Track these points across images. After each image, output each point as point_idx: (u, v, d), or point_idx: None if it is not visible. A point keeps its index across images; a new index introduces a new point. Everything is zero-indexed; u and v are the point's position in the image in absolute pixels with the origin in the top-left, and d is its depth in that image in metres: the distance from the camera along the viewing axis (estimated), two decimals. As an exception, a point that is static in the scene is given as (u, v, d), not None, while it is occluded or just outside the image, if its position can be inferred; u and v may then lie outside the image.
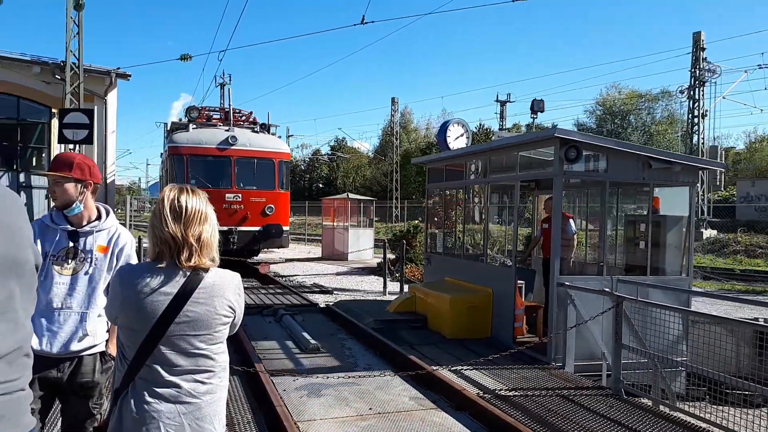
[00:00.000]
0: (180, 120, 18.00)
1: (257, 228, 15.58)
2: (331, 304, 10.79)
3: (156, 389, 1.93)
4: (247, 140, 15.99)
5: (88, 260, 2.86)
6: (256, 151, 16.01)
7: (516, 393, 5.70)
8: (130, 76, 18.10)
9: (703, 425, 5.00)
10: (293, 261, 20.66)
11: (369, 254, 21.38)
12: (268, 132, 17.32)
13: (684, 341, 6.37)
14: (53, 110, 16.59)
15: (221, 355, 2.05)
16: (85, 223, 2.91)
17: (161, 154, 26.45)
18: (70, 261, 2.82)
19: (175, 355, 1.95)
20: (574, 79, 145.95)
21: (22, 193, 16.69)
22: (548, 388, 5.92)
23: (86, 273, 2.84)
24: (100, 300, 2.83)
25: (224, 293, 2.02)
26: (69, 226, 2.88)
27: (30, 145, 16.89)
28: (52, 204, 2.96)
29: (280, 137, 18.04)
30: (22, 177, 17.28)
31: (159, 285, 1.95)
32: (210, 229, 2.04)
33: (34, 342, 2.70)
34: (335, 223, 22.78)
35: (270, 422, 4.85)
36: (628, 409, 5.34)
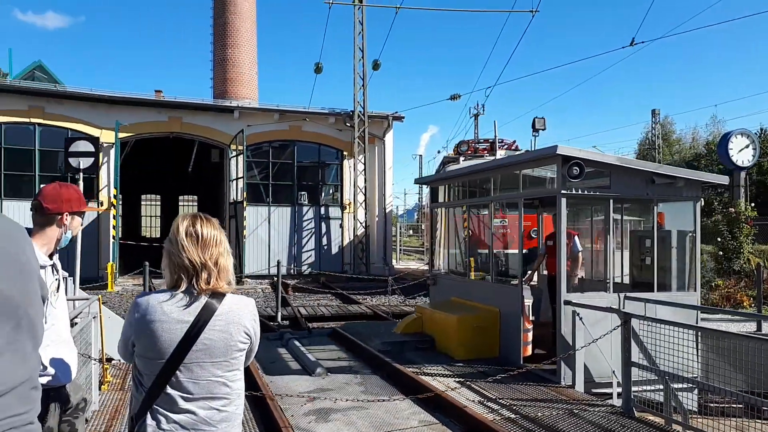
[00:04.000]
0: (438, 151, 21.42)
1: (524, 251, 16.30)
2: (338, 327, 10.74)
3: (172, 416, 1.93)
4: None
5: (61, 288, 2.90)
6: None
7: (526, 413, 5.65)
8: (404, 118, 21.52)
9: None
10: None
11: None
12: None
13: (695, 357, 6.30)
14: (344, 153, 21.15)
15: (237, 383, 2.05)
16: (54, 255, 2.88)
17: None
18: (56, 293, 2.84)
19: (192, 383, 1.95)
20: None
21: (322, 223, 20.71)
22: (558, 407, 5.86)
23: (61, 299, 2.90)
24: None
25: (240, 320, 2.03)
26: (49, 261, 2.78)
27: (327, 183, 20.75)
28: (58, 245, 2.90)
29: None
30: (322, 210, 20.98)
31: (175, 313, 1.96)
32: (225, 253, 2.06)
33: (64, 377, 2.69)
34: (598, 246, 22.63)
35: (278, 448, 4.81)
36: (640, 428, 5.27)
